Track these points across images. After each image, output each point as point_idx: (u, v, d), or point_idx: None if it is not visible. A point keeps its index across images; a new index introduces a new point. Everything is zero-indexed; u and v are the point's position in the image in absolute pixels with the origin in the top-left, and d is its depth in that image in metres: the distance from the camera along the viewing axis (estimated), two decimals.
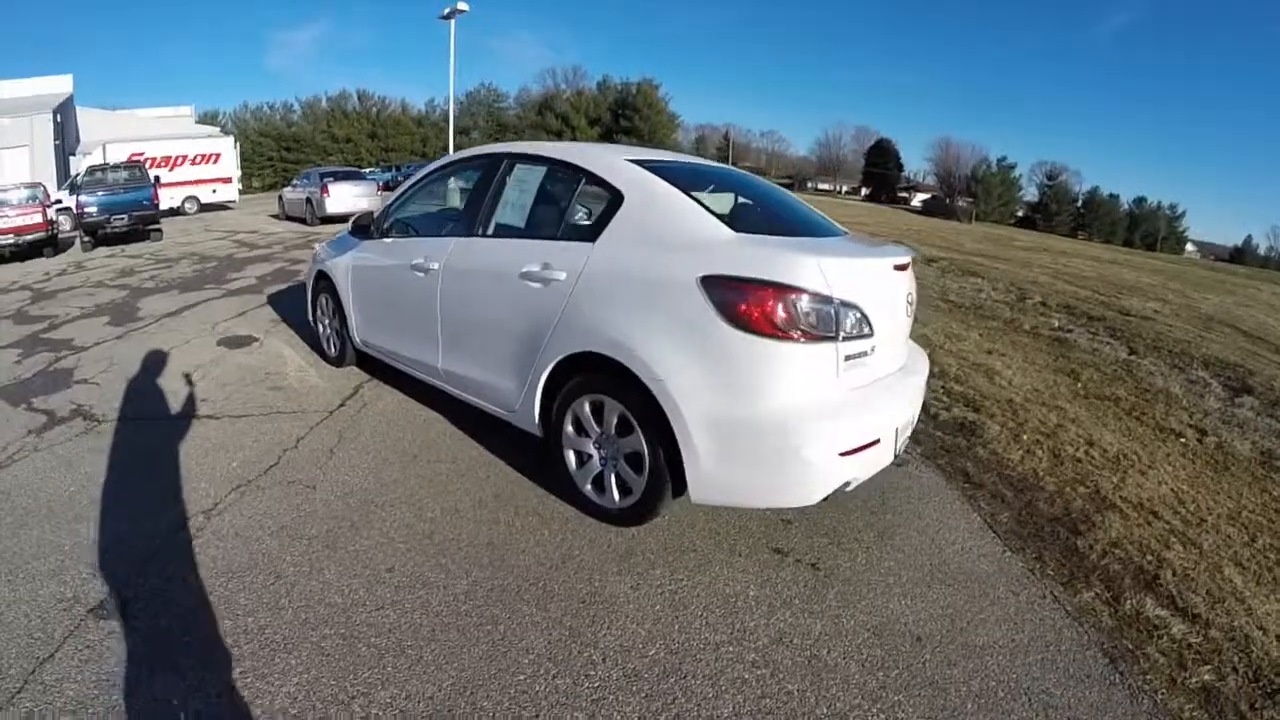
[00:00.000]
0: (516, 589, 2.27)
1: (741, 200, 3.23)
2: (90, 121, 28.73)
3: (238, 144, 30.02)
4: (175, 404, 4.16)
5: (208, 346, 5.53)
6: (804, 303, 2.11)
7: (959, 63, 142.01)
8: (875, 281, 2.39)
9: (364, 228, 3.98)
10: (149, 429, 3.80)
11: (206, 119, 45.95)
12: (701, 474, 2.23)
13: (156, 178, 16.66)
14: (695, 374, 2.19)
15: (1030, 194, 70.08)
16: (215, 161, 26.71)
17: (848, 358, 2.21)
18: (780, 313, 2.09)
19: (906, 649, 2.05)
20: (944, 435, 3.80)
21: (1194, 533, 2.98)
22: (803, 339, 2.11)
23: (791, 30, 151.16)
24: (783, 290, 2.10)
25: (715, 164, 3.75)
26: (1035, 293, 10.64)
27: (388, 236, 3.89)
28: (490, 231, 3.18)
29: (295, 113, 61.41)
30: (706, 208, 2.47)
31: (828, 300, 2.13)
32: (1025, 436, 3.90)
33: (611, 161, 2.76)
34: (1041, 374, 5.52)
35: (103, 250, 13.07)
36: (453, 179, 3.78)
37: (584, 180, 2.79)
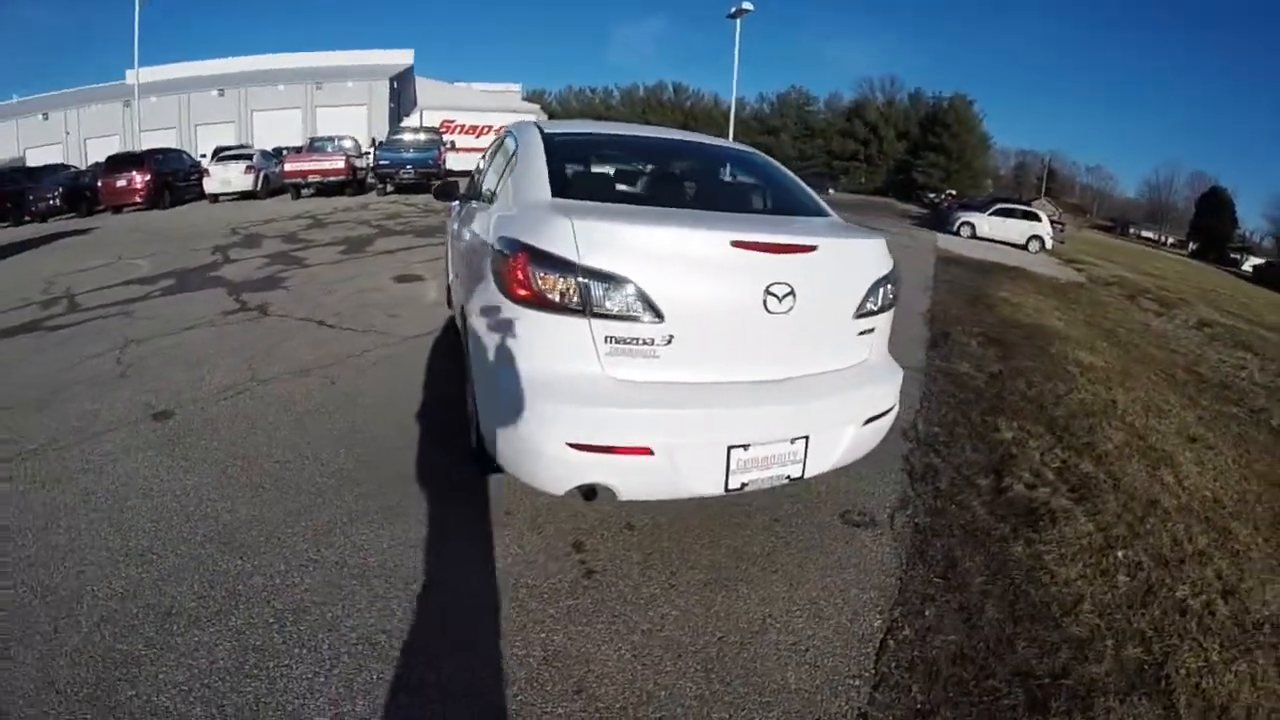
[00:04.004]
0: (354, 493, 2.86)
1: (672, 171, 3.45)
2: (427, 89, 37.12)
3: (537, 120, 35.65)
4: (319, 313, 5.75)
5: (384, 278, 7.21)
6: (539, 267, 2.09)
7: None
8: (680, 258, 2.15)
9: (448, 194, 4.66)
10: (284, 324, 5.37)
11: (533, 97, 56.01)
12: (483, 433, 2.40)
13: (451, 143, 21.14)
14: (481, 330, 2.40)
15: None
16: None
17: (613, 340, 2.11)
18: (519, 275, 2.13)
19: (545, 687, 1.93)
20: (987, 514, 3.32)
21: None
22: (542, 308, 2.10)
23: (1131, 58, 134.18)
24: (522, 252, 2.14)
25: (677, 136, 3.81)
26: None
27: (465, 203, 4.60)
28: (480, 197, 3.73)
29: (614, 98, 71.39)
30: (564, 173, 2.71)
31: (569, 268, 2.06)
32: (1122, 552, 3.20)
33: (529, 132, 3.05)
34: (1244, 484, 4.29)
35: (394, 196, 17.33)
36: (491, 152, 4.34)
37: (514, 149, 3.18)
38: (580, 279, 2.06)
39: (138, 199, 16.15)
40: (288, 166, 17.11)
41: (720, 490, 2.21)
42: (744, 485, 2.24)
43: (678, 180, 3.45)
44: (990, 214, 23.32)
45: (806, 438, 2.31)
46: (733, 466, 2.19)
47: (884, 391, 2.60)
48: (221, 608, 2.14)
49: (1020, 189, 64.21)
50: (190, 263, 7.97)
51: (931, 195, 45.58)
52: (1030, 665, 2.25)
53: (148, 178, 16.19)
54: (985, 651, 2.29)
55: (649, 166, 3.58)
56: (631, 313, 2.09)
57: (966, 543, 2.98)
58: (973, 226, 22.80)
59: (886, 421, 2.64)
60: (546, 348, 2.13)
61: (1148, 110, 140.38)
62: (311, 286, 6.74)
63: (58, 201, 16.33)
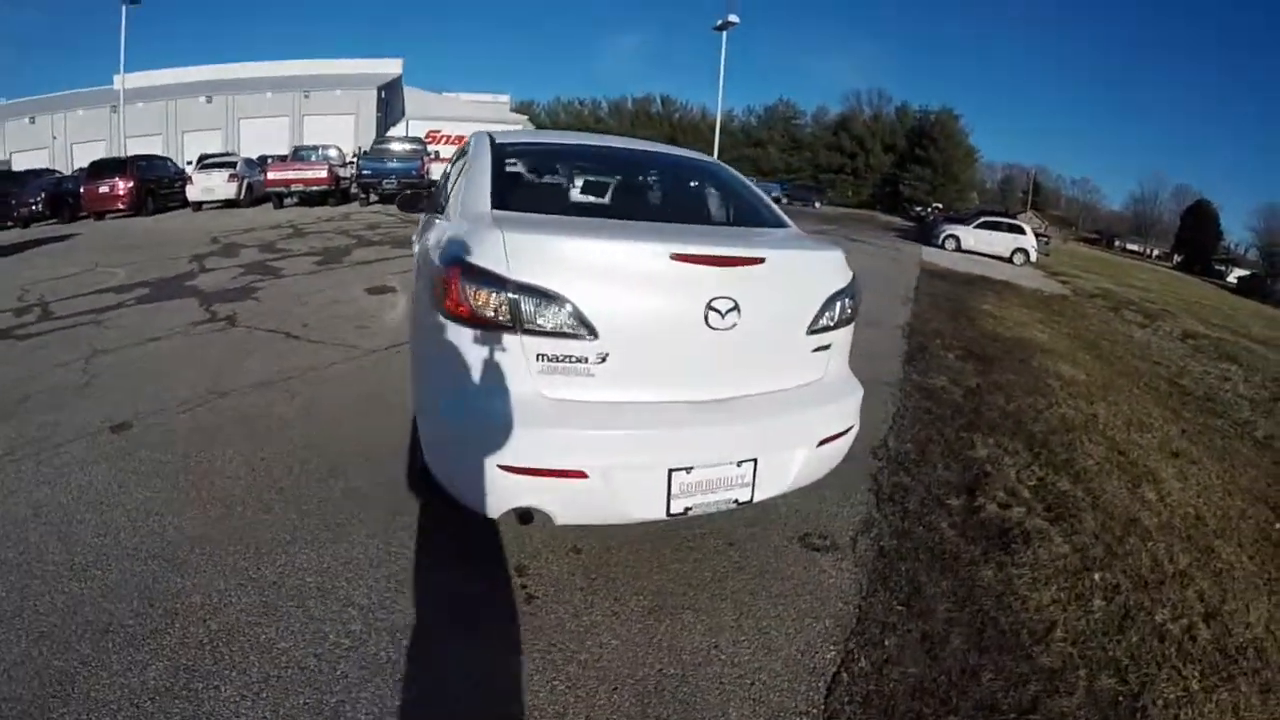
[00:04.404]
0: (300, 510, 2.82)
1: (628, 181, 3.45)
2: (415, 99, 37.16)
3: (522, 129, 35.99)
4: (287, 324, 5.67)
5: (356, 289, 7.17)
6: (471, 282, 2.02)
7: None
8: (616, 271, 2.08)
9: (411, 206, 4.34)
10: (252, 336, 5.31)
11: (522, 108, 56.20)
12: (424, 449, 2.34)
13: (435, 153, 21.12)
14: (420, 346, 2.39)
15: None
16: None
17: (545, 358, 2.04)
18: (452, 291, 2.06)
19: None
20: (957, 536, 3.23)
21: None
22: (474, 325, 2.04)
23: (1117, 73, 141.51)
24: (455, 266, 2.07)
25: (634, 145, 3.61)
26: None
27: (429, 214, 4.44)
28: (438, 209, 3.61)
29: (602, 109, 72.05)
30: (505, 183, 2.68)
31: (500, 283, 1.99)
32: (1099, 575, 3.12)
33: (481, 141, 2.98)
34: (1228, 499, 4.23)
35: (377, 206, 17.32)
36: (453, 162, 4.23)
37: (468, 159, 3.08)
38: (511, 294, 1.98)
39: (120, 205, 16.01)
40: (270, 175, 17.07)
41: (662, 515, 2.13)
42: (687, 510, 2.15)
43: (630, 191, 3.39)
44: (975, 227, 23.45)
45: (755, 460, 2.21)
46: (674, 490, 2.11)
47: (842, 410, 2.50)
48: (158, 626, 2.10)
49: (1006, 202, 64.88)
50: (166, 271, 7.90)
51: (918, 209, 45.91)
52: (996, 699, 2.15)
53: (130, 184, 16.06)
54: (947, 685, 2.18)
55: (602, 177, 3.52)
56: (564, 329, 2.01)
57: (933, 567, 2.87)
58: (958, 239, 22.94)
59: (844, 442, 2.55)
60: (478, 366, 2.06)
61: (1133, 124, 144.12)
62: (284, 297, 6.67)
63: (41, 207, 16.18)
